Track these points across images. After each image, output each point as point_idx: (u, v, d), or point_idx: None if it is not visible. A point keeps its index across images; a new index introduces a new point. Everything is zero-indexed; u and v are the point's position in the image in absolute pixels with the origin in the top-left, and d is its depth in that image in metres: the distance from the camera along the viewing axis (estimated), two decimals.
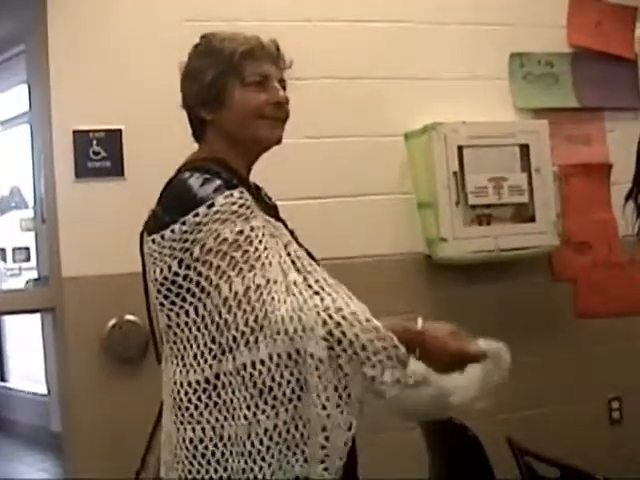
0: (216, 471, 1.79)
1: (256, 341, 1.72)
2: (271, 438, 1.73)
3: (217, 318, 1.77)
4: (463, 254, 3.62)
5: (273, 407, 1.73)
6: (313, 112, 3.51)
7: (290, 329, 1.69)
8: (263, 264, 1.76)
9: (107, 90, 3.33)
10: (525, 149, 3.73)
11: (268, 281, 1.74)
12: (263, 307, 1.71)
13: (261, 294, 1.72)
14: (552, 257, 3.92)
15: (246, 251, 1.77)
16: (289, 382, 1.71)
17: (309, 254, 1.99)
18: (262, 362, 1.71)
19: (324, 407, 1.69)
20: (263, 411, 1.73)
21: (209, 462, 1.80)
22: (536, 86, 4.00)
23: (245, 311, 1.72)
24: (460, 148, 3.62)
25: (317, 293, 1.79)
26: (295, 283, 1.78)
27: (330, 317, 1.70)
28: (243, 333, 1.73)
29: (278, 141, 2.02)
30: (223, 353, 1.77)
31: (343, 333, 1.69)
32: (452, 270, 3.71)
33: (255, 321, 1.71)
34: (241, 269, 1.75)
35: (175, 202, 1.87)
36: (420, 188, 3.70)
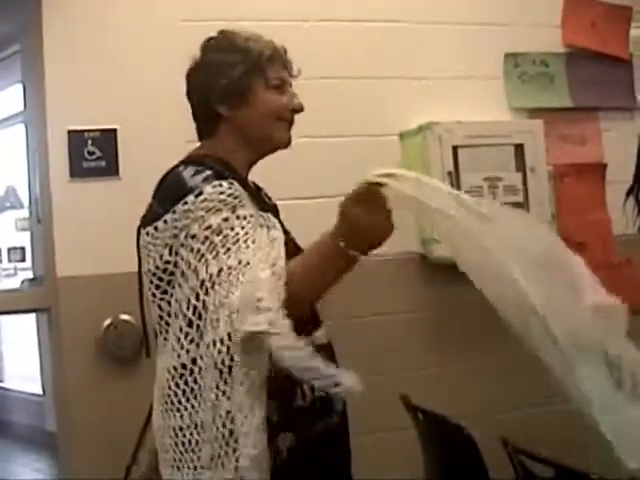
0: (192, 460, 1.78)
1: (217, 320, 1.70)
2: (232, 421, 1.68)
3: (194, 301, 1.77)
4: None
5: (232, 388, 1.68)
6: (308, 112, 3.51)
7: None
8: (239, 247, 1.75)
9: (102, 90, 3.32)
10: (520, 149, 3.73)
11: (240, 262, 1.72)
12: (229, 287, 1.69)
13: (229, 274, 1.71)
14: None
15: (225, 236, 1.77)
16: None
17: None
18: (221, 341, 1.67)
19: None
20: (224, 392, 1.69)
21: (186, 450, 1.80)
22: (531, 86, 4.00)
23: (215, 291, 1.72)
24: (455, 148, 3.62)
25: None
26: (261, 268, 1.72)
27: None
28: (210, 313, 1.72)
29: (288, 144, 2.07)
30: (201, 336, 1.76)
31: None
32: (447, 270, 3.68)
33: (220, 301, 1.70)
34: (217, 252, 1.75)
35: (167, 193, 1.89)
36: None
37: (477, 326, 3.79)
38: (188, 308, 1.79)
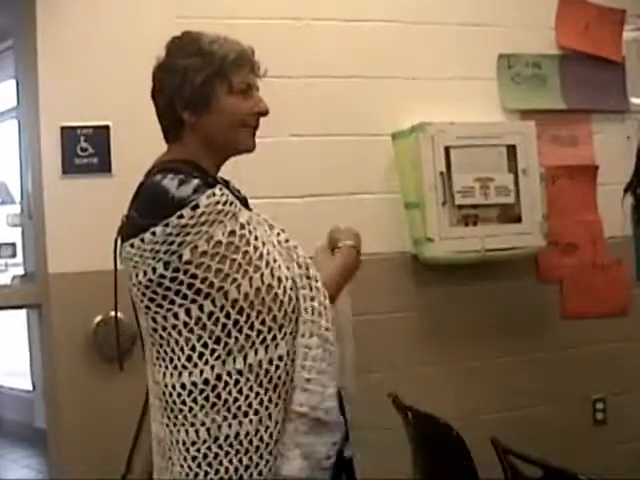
0: (206, 474, 1.79)
1: (274, 338, 1.79)
2: (279, 431, 1.80)
3: (224, 319, 1.78)
4: (449, 254, 3.63)
5: (285, 400, 1.81)
6: (300, 110, 3.52)
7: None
8: (268, 262, 1.81)
9: (95, 87, 3.32)
10: (512, 150, 3.74)
11: (280, 280, 1.81)
12: (282, 307, 1.79)
13: (276, 295, 1.79)
14: (538, 258, 3.94)
15: (246, 252, 1.79)
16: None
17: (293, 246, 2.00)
18: (280, 358, 1.80)
19: None
20: (276, 404, 1.80)
21: (199, 465, 1.80)
22: (524, 87, 4.01)
23: (259, 312, 1.78)
24: (447, 148, 3.62)
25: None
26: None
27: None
28: (259, 332, 1.78)
29: (252, 149, 2.04)
30: (229, 353, 1.79)
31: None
32: (438, 270, 3.72)
33: (274, 320, 1.79)
34: (246, 271, 1.78)
35: (152, 205, 1.85)
36: (407, 188, 3.71)
37: (467, 326, 3.81)
38: (215, 324, 1.79)
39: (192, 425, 1.81)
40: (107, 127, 3.34)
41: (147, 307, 1.86)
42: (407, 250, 3.74)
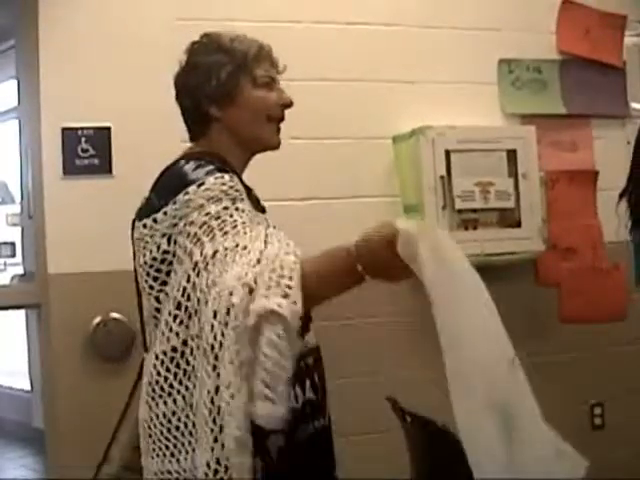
0: (190, 443, 1.76)
1: (206, 301, 1.67)
2: (212, 401, 1.63)
3: (184, 282, 1.76)
4: None
5: (214, 367, 1.63)
6: (301, 113, 3.51)
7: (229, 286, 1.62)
8: (238, 232, 1.74)
9: (97, 88, 3.32)
10: (512, 154, 3.74)
11: (237, 245, 1.71)
12: (223, 267, 1.67)
13: (225, 256, 1.69)
14: (537, 262, 3.94)
15: (224, 220, 1.77)
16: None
17: None
18: (214, 316, 1.62)
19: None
20: (214, 368, 1.63)
21: (182, 434, 1.78)
22: (524, 92, 4.01)
23: (209, 272, 1.69)
24: (448, 152, 3.62)
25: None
26: (260, 251, 1.69)
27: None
28: (203, 292, 1.69)
29: (277, 146, 2.08)
30: (190, 317, 1.75)
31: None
32: None
33: (213, 281, 1.67)
34: (214, 235, 1.74)
35: (168, 186, 1.89)
36: (407, 191, 3.71)
37: None
38: (178, 290, 1.78)
39: (169, 395, 1.80)
40: (108, 128, 3.34)
41: (151, 287, 1.87)
42: None
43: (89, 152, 3.32)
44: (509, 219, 3.73)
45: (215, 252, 1.71)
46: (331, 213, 3.62)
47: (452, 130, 3.65)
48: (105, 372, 3.26)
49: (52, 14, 3.31)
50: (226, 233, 1.74)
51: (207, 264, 1.70)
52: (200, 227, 1.76)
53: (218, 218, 1.77)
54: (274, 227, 1.97)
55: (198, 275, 1.72)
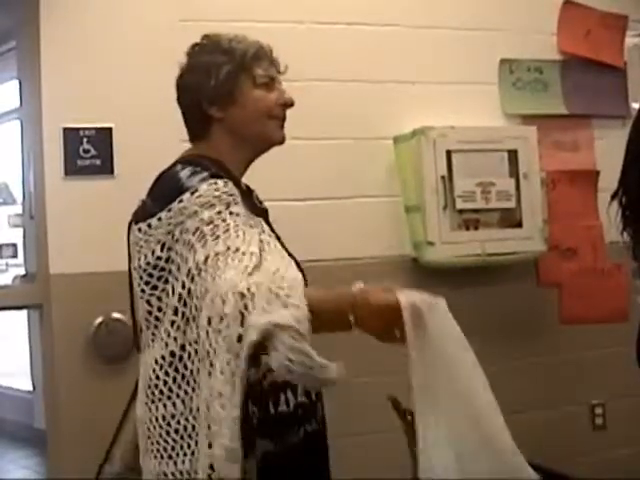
0: (189, 446, 1.78)
1: (201, 308, 1.67)
2: (207, 408, 1.62)
3: (180, 289, 1.78)
4: (450, 258, 3.64)
5: (209, 374, 1.61)
6: (302, 114, 3.51)
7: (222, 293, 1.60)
8: (229, 235, 1.74)
9: (98, 88, 3.33)
10: (513, 155, 3.75)
11: (228, 248, 1.70)
12: (215, 272, 1.66)
13: (217, 261, 1.68)
14: (538, 262, 3.94)
15: (216, 225, 1.77)
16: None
17: (290, 255, 1.99)
18: (209, 322, 1.61)
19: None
20: (205, 381, 1.64)
21: (182, 437, 1.79)
22: (525, 92, 4.02)
23: (202, 278, 1.70)
24: (449, 152, 3.63)
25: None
26: (252, 253, 1.70)
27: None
28: (198, 299, 1.70)
29: (282, 141, 2.09)
30: (187, 323, 1.77)
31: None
32: (439, 274, 3.72)
33: (206, 288, 1.67)
34: (206, 240, 1.75)
35: (163, 192, 1.90)
36: (408, 192, 3.71)
37: (467, 330, 3.80)
38: (175, 296, 1.80)
39: (169, 398, 1.82)
40: (110, 129, 3.34)
41: (142, 290, 1.88)
42: (407, 254, 3.74)
43: (91, 153, 3.32)
44: (510, 219, 3.73)
45: (206, 258, 1.71)
46: (332, 213, 3.62)
47: (453, 130, 3.65)
48: (107, 372, 3.26)
49: (53, 15, 3.32)
50: (217, 237, 1.74)
51: (200, 270, 1.71)
52: (193, 234, 1.78)
53: (210, 223, 1.78)
54: (270, 235, 1.97)
55: (192, 281, 1.74)
